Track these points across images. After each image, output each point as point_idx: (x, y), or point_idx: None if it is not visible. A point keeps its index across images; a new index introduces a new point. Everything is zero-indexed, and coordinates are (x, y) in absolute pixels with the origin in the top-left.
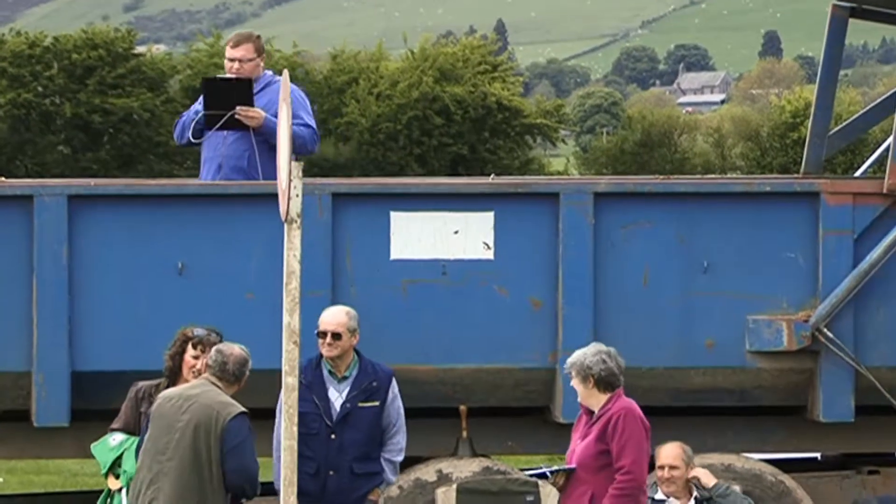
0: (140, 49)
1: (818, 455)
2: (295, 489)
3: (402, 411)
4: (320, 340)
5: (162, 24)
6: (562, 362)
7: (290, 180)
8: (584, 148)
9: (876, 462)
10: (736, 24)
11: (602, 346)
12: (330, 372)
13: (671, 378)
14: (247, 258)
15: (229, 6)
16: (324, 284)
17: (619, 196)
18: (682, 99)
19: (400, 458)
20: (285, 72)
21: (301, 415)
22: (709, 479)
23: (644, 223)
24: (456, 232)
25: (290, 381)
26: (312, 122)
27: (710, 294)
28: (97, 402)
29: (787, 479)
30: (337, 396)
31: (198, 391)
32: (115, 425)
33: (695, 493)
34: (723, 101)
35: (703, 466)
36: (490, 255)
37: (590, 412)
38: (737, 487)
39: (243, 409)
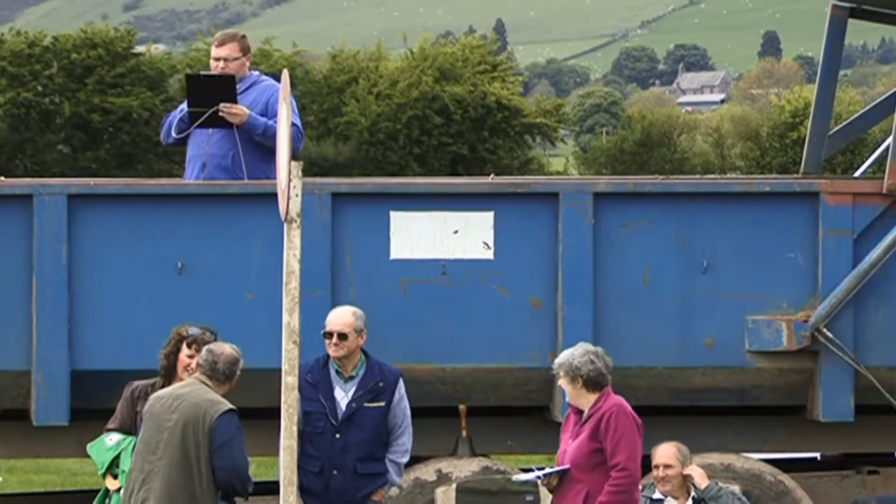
0: (139, 48)
1: (818, 455)
2: (294, 489)
3: (408, 412)
4: (327, 341)
5: (161, 23)
6: None
7: (290, 180)
8: (583, 148)
9: (875, 462)
10: (735, 23)
11: (589, 346)
12: (337, 371)
13: (671, 378)
14: (246, 258)
15: (228, 6)
16: (323, 284)
17: (619, 196)
18: (682, 99)
19: (405, 459)
20: (285, 71)
21: (307, 414)
22: (702, 480)
23: (644, 223)
24: (456, 231)
25: (289, 380)
26: (297, 121)
27: (710, 294)
28: (97, 401)
29: (787, 479)
30: (343, 396)
31: (187, 390)
32: (110, 425)
33: (692, 493)
34: (722, 101)
35: (703, 466)
36: (490, 254)
37: (579, 412)
38: (736, 487)
39: (231, 406)
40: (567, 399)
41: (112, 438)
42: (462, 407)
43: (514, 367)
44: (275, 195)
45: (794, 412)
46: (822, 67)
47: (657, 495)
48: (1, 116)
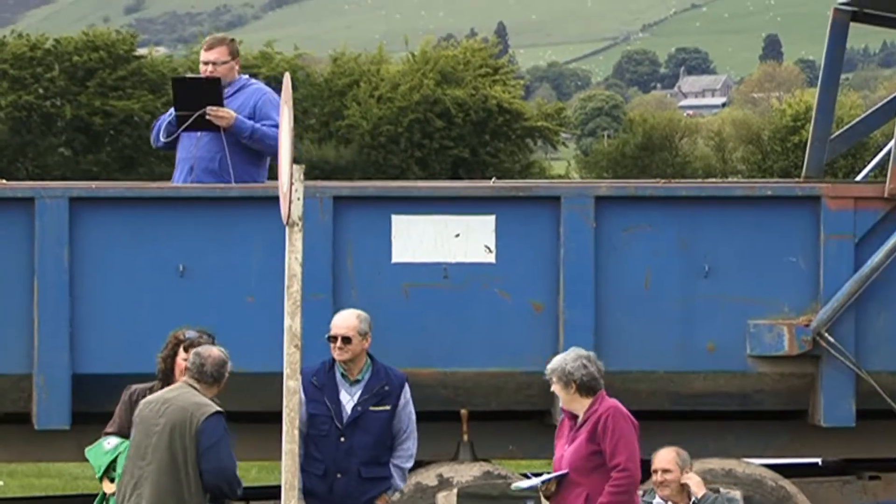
0: (141, 51)
1: (819, 460)
2: (296, 493)
3: (413, 417)
4: (331, 344)
5: (163, 26)
6: None
7: (292, 183)
8: (584, 151)
9: (877, 467)
10: (737, 27)
11: (581, 351)
12: (343, 375)
13: (672, 382)
14: (248, 261)
15: (230, 8)
16: (325, 287)
17: (621, 200)
18: (683, 102)
19: (409, 464)
20: (287, 75)
21: (311, 416)
22: (698, 489)
23: (645, 227)
24: (457, 235)
25: (291, 384)
26: None
27: (712, 298)
28: (98, 404)
29: (788, 485)
30: (348, 399)
31: (175, 394)
32: (109, 429)
33: (692, 499)
34: (724, 105)
35: (704, 471)
36: (491, 258)
37: (573, 417)
38: (737, 493)
39: (218, 408)
40: (561, 405)
41: (110, 442)
42: (463, 411)
43: (516, 371)
44: (276, 198)
45: (796, 417)
46: (823, 71)
47: (657, 500)
48: (2, 119)
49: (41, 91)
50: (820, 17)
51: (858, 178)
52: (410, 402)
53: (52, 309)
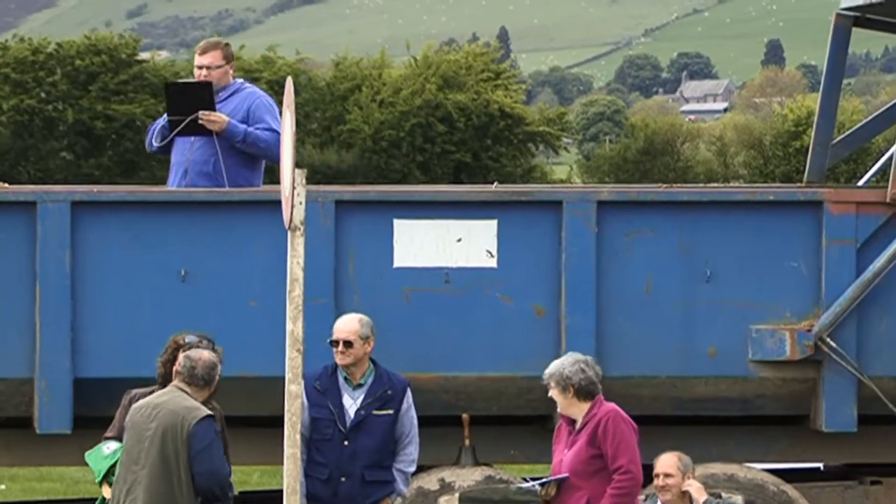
0: (143, 55)
1: (821, 465)
2: (297, 497)
3: (415, 422)
4: (334, 348)
5: (165, 30)
6: None
7: (294, 188)
8: (586, 156)
9: (878, 472)
10: (739, 32)
11: (579, 356)
12: (345, 379)
13: (673, 387)
14: (250, 265)
15: (232, 13)
16: (327, 292)
17: (622, 204)
18: (685, 107)
19: (412, 469)
20: (289, 79)
21: (315, 420)
22: (699, 495)
23: (647, 231)
24: (459, 240)
25: (293, 388)
26: (279, 127)
27: (713, 303)
28: (100, 409)
29: (790, 489)
30: (351, 403)
31: (166, 398)
32: (108, 433)
33: None
34: (725, 110)
35: (705, 476)
36: (493, 263)
37: (571, 422)
38: (739, 498)
39: (209, 412)
40: (559, 409)
41: (109, 446)
42: (465, 416)
43: (517, 375)
44: (278, 203)
45: (797, 422)
46: (825, 76)
47: None
48: (4, 123)
49: (43, 95)
50: (822, 23)
51: (860, 183)
52: (413, 407)
53: (54, 313)
